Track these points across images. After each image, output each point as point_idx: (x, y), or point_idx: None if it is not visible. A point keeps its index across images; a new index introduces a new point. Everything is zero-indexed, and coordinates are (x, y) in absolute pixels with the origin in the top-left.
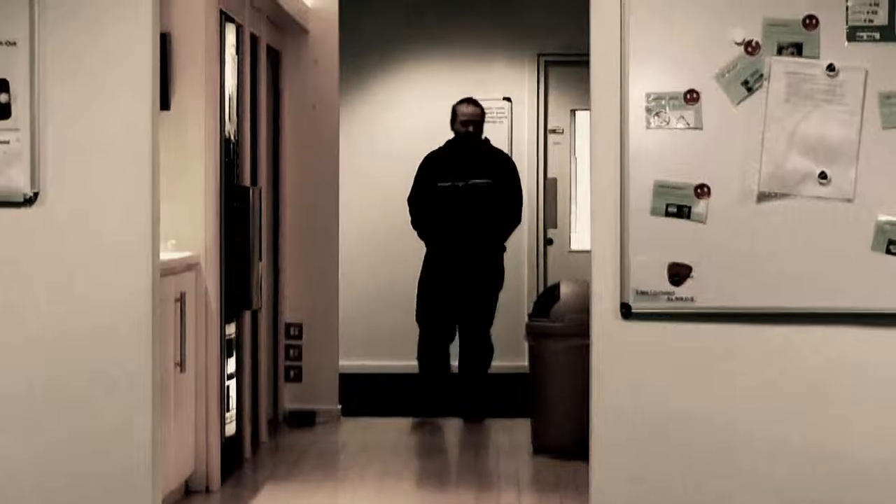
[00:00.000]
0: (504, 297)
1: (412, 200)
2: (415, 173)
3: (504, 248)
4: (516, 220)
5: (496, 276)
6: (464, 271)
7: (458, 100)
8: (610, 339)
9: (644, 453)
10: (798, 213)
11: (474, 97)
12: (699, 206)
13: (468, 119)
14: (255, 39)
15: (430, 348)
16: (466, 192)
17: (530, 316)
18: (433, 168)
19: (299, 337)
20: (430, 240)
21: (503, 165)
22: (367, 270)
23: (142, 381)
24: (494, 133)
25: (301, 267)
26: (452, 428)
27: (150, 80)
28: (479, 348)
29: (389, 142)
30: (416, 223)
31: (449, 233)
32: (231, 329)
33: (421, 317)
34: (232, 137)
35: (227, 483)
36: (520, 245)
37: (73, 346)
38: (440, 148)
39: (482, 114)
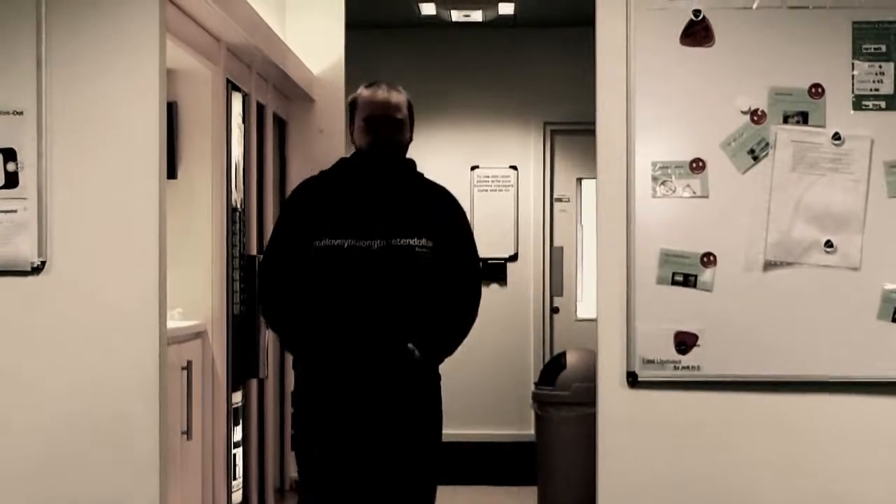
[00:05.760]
0: (510, 366)
1: (266, 270)
2: (276, 220)
3: (441, 360)
4: (472, 314)
5: (431, 431)
6: (370, 421)
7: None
8: (616, 407)
9: None
10: (804, 282)
11: (487, 163)
12: (705, 275)
13: (383, 116)
14: (261, 108)
15: None
16: (378, 262)
17: (536, 384)
18: (311, 210)
19: None
20: (303, 351)
21: (447, 212)
22: None
23: (148, 449)
24: (501, 201)
25: None
26: (459, 496)
27: (157, 148)
28: None
29: None
30: (273, 315)
31: (341, 339)
32: (237, 397)
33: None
34: (238, 206)
35: None
36: (526, 314)
37: (79, 414)
38: (325, 172)
39: (408, 106)
